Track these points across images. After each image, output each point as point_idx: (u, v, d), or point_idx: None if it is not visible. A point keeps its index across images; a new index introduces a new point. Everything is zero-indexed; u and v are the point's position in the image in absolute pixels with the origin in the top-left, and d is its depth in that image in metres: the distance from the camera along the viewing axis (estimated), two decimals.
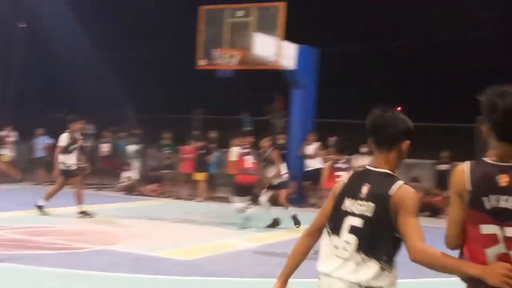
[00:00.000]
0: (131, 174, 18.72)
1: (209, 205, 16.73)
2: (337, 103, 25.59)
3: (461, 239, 3.04)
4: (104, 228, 12.08)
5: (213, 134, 18.70)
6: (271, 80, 21.76)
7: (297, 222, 12.57)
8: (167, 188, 18.65)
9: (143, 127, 22.92)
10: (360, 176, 3.42)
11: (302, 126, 17.46)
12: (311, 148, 17.21)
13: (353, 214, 3.30)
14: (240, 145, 13.84)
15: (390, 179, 3.28)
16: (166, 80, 30.47)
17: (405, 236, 3.12)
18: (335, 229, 3.35)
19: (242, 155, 13.52)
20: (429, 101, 27.24)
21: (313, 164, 17.14)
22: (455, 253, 3.07)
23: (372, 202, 3.25)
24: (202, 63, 16.37)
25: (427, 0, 27.53)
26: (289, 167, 17.29)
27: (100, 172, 20.01)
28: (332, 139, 17.52)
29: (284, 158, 18.00)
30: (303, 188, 17.46)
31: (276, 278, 3.57)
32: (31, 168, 21.28)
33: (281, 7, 15.70)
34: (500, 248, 2.91)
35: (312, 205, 17.23)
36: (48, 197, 13.40)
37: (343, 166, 11.47)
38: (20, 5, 27.86)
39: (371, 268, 3.20)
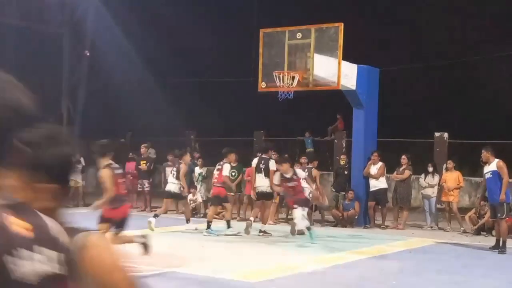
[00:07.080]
0: (196, 196, 18.85)
1: (273, 227, 16.69)
2: (398, 122, 25.34)
3: None
4: (169, 251, 12.19)
5: (274, 156, 18.60)
6: (332, 100, 21.75)
7: None
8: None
9: (206, 150, 23.15)
10: None
11: (364, 146, 17.33)
12: (375, 168, 17.03)
13: None
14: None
15: None
16: (228, 103, 30.74)
17: None
18: None
19: None
20: (496, 119, 26.48)
21: (377, 184, 16.96)
22: None
23: None
24: (263, 85, 16.47)
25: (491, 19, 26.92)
26: (352, 187, 17.25)
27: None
28: (404, 157, 17.20)
29: (347, 178, 17.93)
30: (367, 208, 17.23)
31: None
32: (98, 193, 21.57)
33: (340, 27, 15.70)
34: None
35: (378, 226, 17.03)
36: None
37: None
38: (85, 34, 28.70)
39: None
